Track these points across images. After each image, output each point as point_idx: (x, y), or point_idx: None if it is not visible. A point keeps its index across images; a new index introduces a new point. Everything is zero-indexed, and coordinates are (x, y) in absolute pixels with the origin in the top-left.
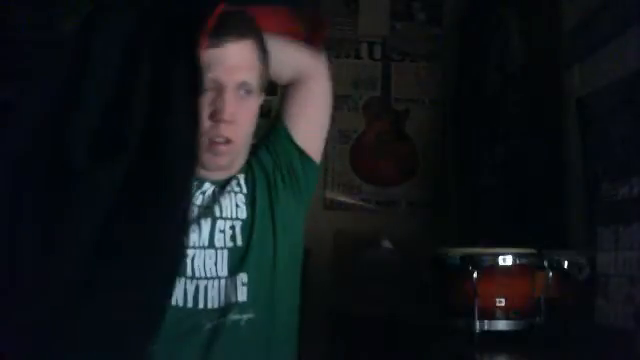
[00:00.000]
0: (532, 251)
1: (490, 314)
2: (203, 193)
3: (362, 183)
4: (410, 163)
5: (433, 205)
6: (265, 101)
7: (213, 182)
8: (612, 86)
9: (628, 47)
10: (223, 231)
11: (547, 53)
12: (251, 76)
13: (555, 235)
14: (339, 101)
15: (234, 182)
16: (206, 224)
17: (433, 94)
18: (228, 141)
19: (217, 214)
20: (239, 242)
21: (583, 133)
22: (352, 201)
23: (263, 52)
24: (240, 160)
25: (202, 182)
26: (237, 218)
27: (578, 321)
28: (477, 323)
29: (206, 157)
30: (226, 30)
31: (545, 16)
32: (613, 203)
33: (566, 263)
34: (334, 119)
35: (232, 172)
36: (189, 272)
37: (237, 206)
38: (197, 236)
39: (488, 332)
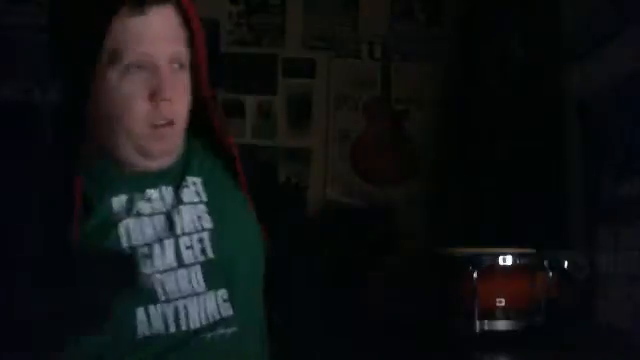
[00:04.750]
0: (532, 251)
1: (490, 314)
2: (148, 200)
3: (362, 183)
4: (410, 163)
5: (433, 205)
6: (265, 101)
7: (157, 180)
8: (612, 86)
9: (628, 47)
10: (191, 247)
11: (547, 53)
12: (181, 47)
13: (555, 235)
14: (339, 101)
15: (191, 188)
16: (169, 244)
17: (433, 94)
18: (171, 122)
19: (178, 231)
20: (210, 254)
21: (583, 133)
22: (352, 201)
23: (185, 18)
24: (180, 143)
25: (139, 181)
26: (203, 229)
27: (578, 321)
28: (477, 323)
29: (149, 143)
30: None
31: (545, 16)
32: (613, 203)
33: (566, 263)
34: (334, 119)
35: (174, 157)
36: (162, 296)
37: (199, 218)
38: (160, 259)
39: (488, 332)
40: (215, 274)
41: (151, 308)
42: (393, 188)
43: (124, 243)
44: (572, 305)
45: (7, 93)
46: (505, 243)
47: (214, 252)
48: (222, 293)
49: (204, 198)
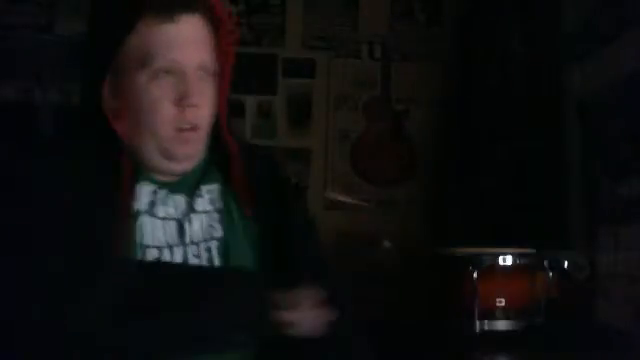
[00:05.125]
0: (532, 251)
1: (490, 314)
2: (164, 204)
3: (362, 183)
4: (410, 163)
5: (433, 205)
6: (265, 101)
7: (174, 186)
8: (612, 86)
9: (628, 47)
10: (198, 256)
11: (547, 53)
12: (208, 56)
13: (555, 235)
14: (339, 101)
15: (206, 197)
16: (177, 251)
17: (433, 94)
18: (195, 128)
19: (187, 240)
20: (217, 264)
21: (583, 133)
22: (352, 201)
23: (214, 28)
24: (202, 149)
25: (160, 187)
26: (212, 238)
27: (578, 321)
28: (477, 323)
29: (174, 147)
30: (176, 1)
31: (545, 16)
32: (613, 203)
33: (566, 263)
34: (334, 119)
35: (196, 161)
36: None
37: (210, 226)
38: None
39: (488, 332)
40: None
41: None
42: (393, 188)
43: (138, 239)
44: (572, 305)
45: (7, 93)
46: (505, 243)
47: (220, 262)
48: None
49: (219, 206)
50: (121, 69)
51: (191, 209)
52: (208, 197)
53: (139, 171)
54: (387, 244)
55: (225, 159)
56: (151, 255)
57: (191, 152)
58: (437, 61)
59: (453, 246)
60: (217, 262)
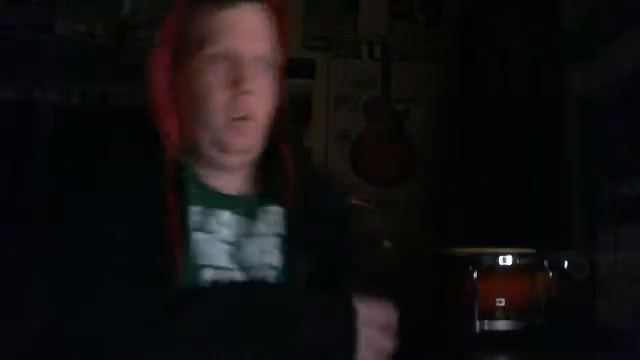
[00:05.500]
0: (532, 251)
1: (490, 314)
2: (222, 224)
3: (362, 183)
4: (410, 163)
5: (433, 205)
6: None
7: (233, 204)
8: (612, 86)
9: (628, 47)
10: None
11: (547, 53)
12: (268, 49)
13: (555, 235)
14: (339, 101)
15: (267, 219)
16: (228, 274)
17: (433, 94)
18: (249, 117)
19: (238, 264)
20: None
21: (583, 133)
22: (352, 201)
23: (275, 19)
24: (260, 144)
25: (216, 199)
26: (267, 264)
27: (578, 321)
28: (477, 323)
29: (228, 136)
30: None
31: (545, 16)
32: (613, 203)
33: (566, 263)
34: (334, 119)
35: (252, 156)
36: None
37: (265, 252)
38: None
39: (488, 332)
40: None
41: None
42: (393, 188)
43: (192, 257)
44: (572, 305)
45: (7, 93)
46: (505, 243)
47: None
48: None
49: (279, 230)
50: (180, 56)
51: (248, 232)
52: (271, 219)
53: (193, 185)
54: (387, 244)
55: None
56: (208, 275)
57: (245, 143)
58: (437, 61)
59: (453, 246)
60: None
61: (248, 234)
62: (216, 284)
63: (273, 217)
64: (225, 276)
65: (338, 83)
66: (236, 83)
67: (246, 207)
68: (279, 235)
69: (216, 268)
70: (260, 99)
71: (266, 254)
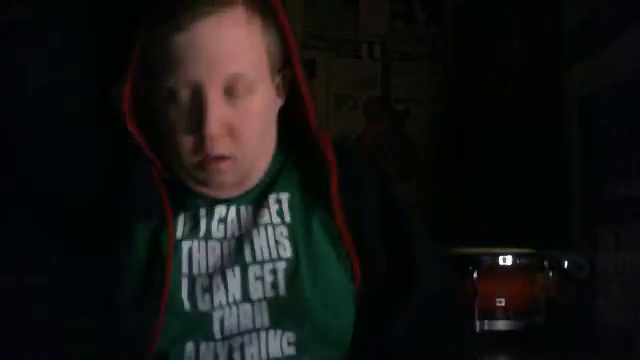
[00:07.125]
0: (532, 251)
1: (490, 314)
2: (221, 220)
3: None
4: (410, 163)
5: (433, 205)
6: None
7: (230, 201)
8: (612, 86)
9: (628, 47)
10: (261, 278)
11: (547, 53)
12: (246, 63)
13: (555, 235)
14: (339, 101)
15: (273, 208)
16: (233, 276)
17: (433, 94)
18: (226, 156)
19: (248, 259)
20: (282, 291)
21: (583, 133)
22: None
23: (265, 17)
24: (259, 170)
25: (210, 203)
26: (280, 258)
27: (578, 321)
28: (477, 323)
29: (204, 176)
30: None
31: (545, 16)
32: (613, 203)
33: (566, 263)
34: (334, 119)
35: (250, 185)
36: (217, 334)
37: (277, 243)
38: (223, 294)
39: (488, 332)
40: (284, 314)
41: (202, 345)
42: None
43: (184, 270)
44: (572, 305)
45: None
46: (505, 243)
47: (287, 289)
48: (289, 336)
49: (288, 219)
50: (143, 88)
51: (255, 222)
52: (276, 207)
53: (178, 187)
54: None
55: (306, 161)
56: (202, 285)
57: (228, 181)
58: (437, 61)
59: (453, 246)
60: (282, 287)
61: (256, 224)
62: None
63: (279, 205)
64: (222, 281)
65: (338, 83)
66: (199, 125)
67: (252, 194)
68: (290, 226)
69: (210, 276)
70: (239, 137)
71: (278, 246)
